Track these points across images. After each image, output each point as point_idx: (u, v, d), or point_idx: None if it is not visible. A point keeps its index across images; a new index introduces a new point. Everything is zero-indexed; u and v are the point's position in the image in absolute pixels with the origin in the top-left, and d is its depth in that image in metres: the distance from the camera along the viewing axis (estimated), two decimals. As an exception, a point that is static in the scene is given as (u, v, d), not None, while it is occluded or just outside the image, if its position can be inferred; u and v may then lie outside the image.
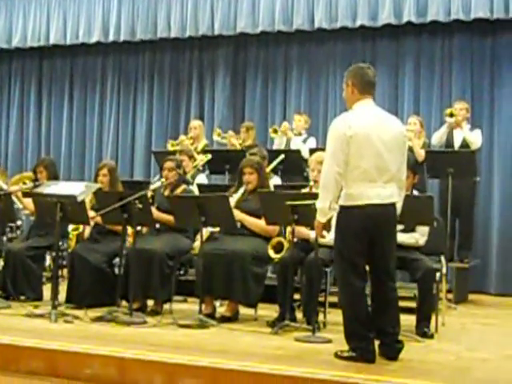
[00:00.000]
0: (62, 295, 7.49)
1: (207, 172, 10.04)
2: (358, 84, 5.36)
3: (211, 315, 6.89)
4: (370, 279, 5.35)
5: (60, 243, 7.66)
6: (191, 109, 12.52)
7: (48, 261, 9.26)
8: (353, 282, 5.17)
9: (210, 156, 9.64)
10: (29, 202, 8.09)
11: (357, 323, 5.17)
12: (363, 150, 5.11)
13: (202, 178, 9.49)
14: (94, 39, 12.78)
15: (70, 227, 8.06)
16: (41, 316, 6.84)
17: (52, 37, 13.07)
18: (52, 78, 13.82)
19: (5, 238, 9.11)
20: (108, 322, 6.60)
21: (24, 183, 8.62)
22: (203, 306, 6.80)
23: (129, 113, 13.03)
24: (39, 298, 7.96)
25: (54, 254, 7.97)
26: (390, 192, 5.21)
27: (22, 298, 7.91)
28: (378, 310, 5.28)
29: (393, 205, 5.25)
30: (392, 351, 5.26)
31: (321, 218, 5.25)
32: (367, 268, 5.31)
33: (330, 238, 5.63)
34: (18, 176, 9.63)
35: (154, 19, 12.36)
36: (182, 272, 7.76)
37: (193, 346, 5.62)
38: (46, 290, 8.07)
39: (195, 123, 10.78)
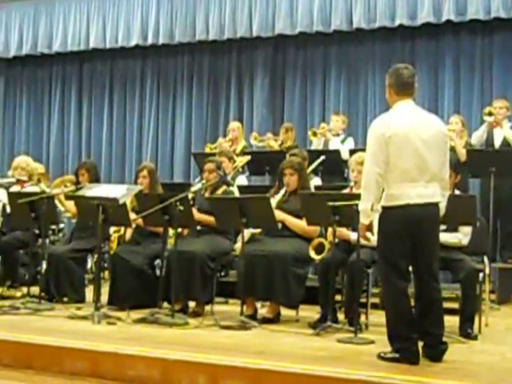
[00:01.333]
0: (104, 297, 7.52)
1: (247, 173, 10.05)
2: (394, 85, 5.33)
3: (253, 316, 6.88)
4: (414, 280, 5.31)
5: (102, 245, 7.71)
6: (230, 110, 12.55)
7: (89, 263, 9.33)
8: (395, 283, 5.14)
9: (249, 157, 9.64)
10: (71, 204, 8.17)
11: (400, 324, 5.14)
12: (402, 150, 5.07)
13: (242, 180, 9.51)
14: (133, 43, 12.88)
15: (112, 229, 8.11)
16: (84, 318, 6.88)
17: (92, 41, 13.19)
18: (92, 82, 13.96)
19: (47, 241, 9.19)
20: (150, 324, 6.62)
21: (65, 186, 8.69)
22: (245, 308, 6.80)
23: (168, 115, 13.10)
24: (82, 299, 8.02)
25: (96, 256, 8.07)
26: (432, 191, 5.16)
27: (65, 299, 7.97)
28: (421, 311, 5.24)
29: (435, 204, 5.20)
30: (436, 352, 5.21)
31: (364, 220, 5.23)
32: (410, 268, 5.27)
33: (373, 239, 5.59)
34: (59, 179, 9.69)
35: (192, 22, 12.41)
36: (222, 273, 7.77)
37: (235, 348, 5.61)
38: (88, 292, 8.13)
39: (234, 125, 10.80)
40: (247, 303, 6.94)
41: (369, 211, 5.16)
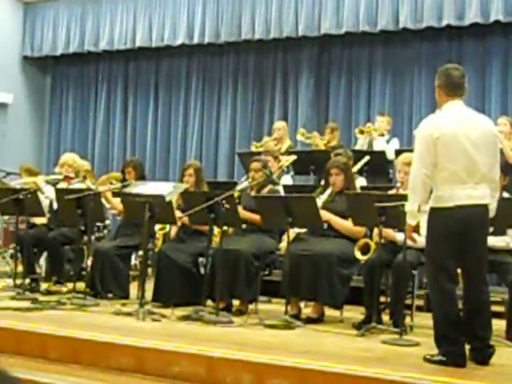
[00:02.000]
0: (149, 294, 7.57)
1: (292, 173, 10.05)
2: (443, 86, 5.28)
3: (297, 316, 6.87)
4: (462, 282, 5.27)
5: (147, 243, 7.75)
6: (275, 110, 12.56)
7: (133, 260, 9.40)
8: (443, 285, 5.09)
9: (294, 157, 9.63)
10: (117, 201, 8.24)
11: (448, 327, 5.09)
12: (451, 151, 5.03)
13: (287, 179, 9.50)
14: (178, 41, 12.95)
15: (157, 227, 8.16)
16: (128, 314, 6.91)
17: (138, 39, 13.29)
18: (138, 80, 14.07)
19: (93, 238, 9.27)
20: (194, 321, 6.64)
21: (111, 183, 8.77)
22: (289, 307, 6.80)
23: (213, 114, 13.15)
24: (126, 296, 8.07)
25: (140, 253, 8.13)
26: (482, 193, 5.10)
27: (110, 296, 8.03)
28: (469, 314, 5.19)
29: (485, 206, 5.14)
30: (483, 356, 5.15)
31: (410, 221, 5.21)
32: (458, 271, 5.22)
33: (419, 240, 5.56)
34: (105, 176, 9.76)
35: (238, 21, 12.44)
36: (266, 272, 7.77)
37: (279, 347, 5.61)
38: (133, 289, 8.18)
39: (279, 124, 10.80)
40: (291, 302, 6.93)
41: (415, 212, 5.13)
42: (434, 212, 5.13)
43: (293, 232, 6.96)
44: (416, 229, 5.30)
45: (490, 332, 5.21)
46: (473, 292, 5.18)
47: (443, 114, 5.24)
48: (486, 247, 5.24)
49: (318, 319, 6.96)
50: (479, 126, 5.19)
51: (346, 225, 6.99)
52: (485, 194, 5.13)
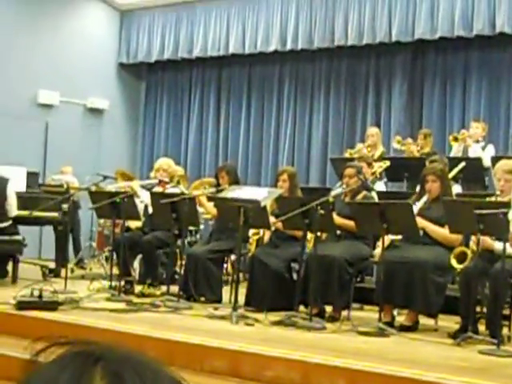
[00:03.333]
0: (241, 298, 7.61)
1: (385, 179, 9.96)
2: None
3: (390, 324, 6.80)
4: None
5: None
6: (367, 116, 12.49)
7: (226, 264, 9.46)
8: None
9: (388, 163, 9.55)
10: (211, 206, 8.31)
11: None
12: None
13: (380, 186, 9.43)
14: (271, 48, 13.01)
15: (251, 232, 8.20)
16: (222, 317, 6.96)
17: (231, 46, 13.42)
18: (230, 87, 14.19)
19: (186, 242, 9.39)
20: (287, 326, 6.64)
21: (204, 188, 8.85)
22: (382, 314, 6.74)
23: (305, 120, 13.15)
24: (219, 300, 8.13)
25: (233, 257, 8.18)
26: None
27: (202, 299, 8.11)
28: None
29: None
30: None
31: None
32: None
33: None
34: (198, 181, 9.89)
35: (331, 27, 12.41)
36: (358, 279, 7.72)
37: (374, 354, 5.56)
38: (225, 293, 8.25)
39: (373, 130, 10.73)
40: (385, 310, 6.87)
41: None
42: None
43: (387, 239, 6.90)
44: None
45: None
46: None
47: None
48: None
49: (412, 327, 6.86)
50: None
51: (442, 232, 6.88)
52: None
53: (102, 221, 11.42)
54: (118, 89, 15.05)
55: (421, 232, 6.92)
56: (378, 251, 7.02)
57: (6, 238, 9.00)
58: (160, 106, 15.08)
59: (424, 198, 7.04)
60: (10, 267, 9.28)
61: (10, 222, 9.10)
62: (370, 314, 7.55)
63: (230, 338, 5.90)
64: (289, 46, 12.83)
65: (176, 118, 14.83)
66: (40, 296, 6.94)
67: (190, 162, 14.29)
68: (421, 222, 6.85)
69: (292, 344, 5.81)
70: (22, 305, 6.86)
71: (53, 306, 6.97)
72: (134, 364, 0.96)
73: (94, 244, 12.28)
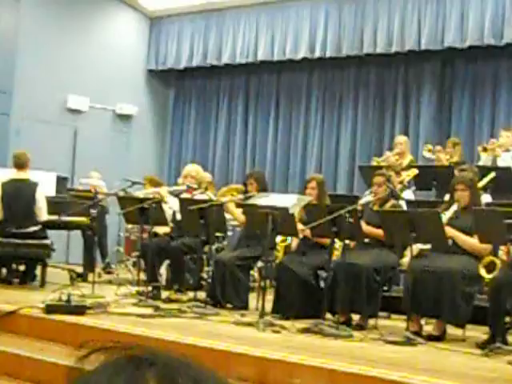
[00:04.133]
0: (268, 305, 7.60)
1: (413, 188, 9.91)
2: None
3: (418, 333, 6.76)
4: None
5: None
6: (396, 124, 12.46)
7: (253, 271, 9.46)
8: None
9: (416, 171, 9.51)
10: (239, 213, 8.32)
11: None
12: None
13: (409, 194, 9.39)
14: (300, 55, 13.02)
15: (278, 239, 8.19)
16: (248, 324, 6.96)
17: (260, 53, 13.44)
18: (259, 94, 14.21)
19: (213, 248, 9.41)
20: (314, 334, 6.63)
21: (232, 195, 8.86)
22: (410, 323, 6.70)
23: (333, 127, 13.14)
24: (245, 306, 8.14)
25: (260, 264, 8.18)
26: None
27: (229, 306, 8.11)
28: None
29: None
30: None
31: None
32: None
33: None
34: (226, 188, 9.89)
35: (360, 35, 12.40)
36: (386, 288, 7.69)
37: (402, 363, 5.53)
38: (252, 300, 8.25)
39: (401, 139, 10.68)
40: (412, 319, 6.83)
41: None
42: None
43: (416, 248, 6.87)
44: None
45: None
46: None
47: None
48: None
49: (440, 337, 6.82)
50: None
51: (471, 242, 6.83)
52: None
53: (129, 226, 11.46)
54: (146, 95, 15.13)
55: (449, 241, 6.88)
56: (406, 260, 7.01)
57: (35, 242, 9.08)
58: (188, 112, 15.13)
59: (453, 207, 7.00)
60: (38, 271, 9.35)
61: (40, 227, 9.17)
62: (397, 323, 7.52)
63: (257, 345, 5.90)
64: (317, 54, 12.83)
65: (204, 124, 14.87)
66: (68, 300, 6.98)
67: (217, 169, 14.31)
68: (450, 231, 6.81)
69: (319, 352, 5.79)
70: (50, 308, 6.91)
71: (81, 310, 7.02)
72: (186, 369, 0.96)
73: (122, 249, 12.34)
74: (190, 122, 15.04)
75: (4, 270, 9.32)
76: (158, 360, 0.97)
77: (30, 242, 9.04)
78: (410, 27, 11.88)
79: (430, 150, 10.44)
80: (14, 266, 9.42)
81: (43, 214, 9.12)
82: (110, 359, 0.97)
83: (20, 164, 9.23)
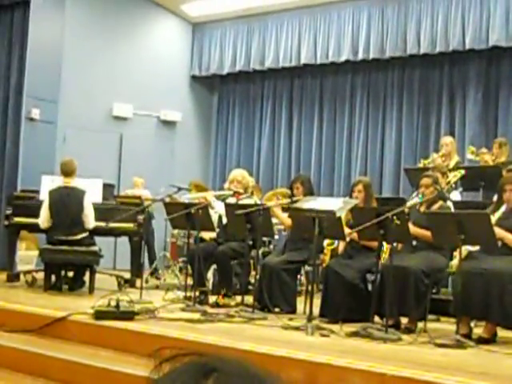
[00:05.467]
0: (315, 309, 7.58)
1: (460, 189, 9.83)
2: None
3: (468, 335, 6.69)
4: None
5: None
6: (441, 125, 12.36)
7: (300, 275, 9.44)
8: None
9: (463, 172, 9.42)
10: (285, 217, 8.31)
11: None
12: None
13: (456, 195, 9.30)
14: (343, 58, 12.98)
15: (325, 242, 8.17)
16: (296, 328, 6.95)
17: (303, 57, 13.43)
18: (302, 97, 14.19)
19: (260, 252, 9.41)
20: (363, 338, 6.59)
21: (277, 199, 8.86)
22: (459, 326, 6.63)
23: (378, 130, 13.07)
24: (293, 310, 8.12)
25: (307, 267, 8.16)
26: None
27: (276, 310, 8.10)
28: None
29: None
30: None
31: None
32: None
33: None
34: (271, 192, 9.92)
35: (403, 36, 12.32)
36: (434, 290, 7.62)
37: (453, 367, 5.46)
38: (299, 304, 8.23)
39: (447, 139, 10.59)
40: (462, 322, 6.75)
41: None
42: None
43: (465, 249, 6.80)
44: None
45: None
46: None
47: None
48: None
49: (490, 340, 6.73)
50: None
51: (521, 243, 6.75)
52: None
53: (175, 231, 11.52)
54: (190, 101, 15.20)
55: (499, 242, 6.80)
56: (454, 262, 6.93)
57: (84, 248, 9.17)
58: (232, 117, 15.17)
59: (502, 208, 6.91)
60: (86, 277, 9.44)
61: (87, 233, 9.26)
62: (447, 325, 7.44)
63: (306, 349, 5.88)
64: (360, 56, 12.78)
65: (248, 129, 14.89)
66: (117, 306, 7.03)
67: (262, 173, 14.33)
68: (499, 232, 6.73)
69: (368, 355, 5.75)
70: (99, 314, 6.97)
71: (129, 315, 7.07)
72: (246, 377, 0.96)
73: (168, 254, 12.41)
74: (234, 127, 15.07)
75: (53, 277, 9.41)
76: (219, 367, 0.97)
77: (79, 248, 9.13)
78: (454, 27, 11.78)
79: (473, 152, 10.34)
80: (62, 272, 9.52)
81: (91, 221, 9.22)
82: (176, 367, 0.97)
83: (68, 172, 9.33)
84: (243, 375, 0.95)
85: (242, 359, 0.98)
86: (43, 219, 9.19)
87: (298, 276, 9.31)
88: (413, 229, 7.25)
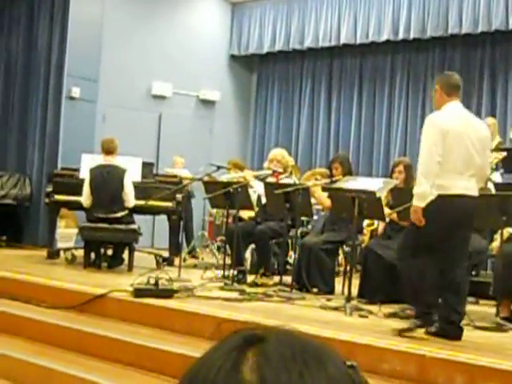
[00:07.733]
0: (354, 289, 7.57)
1: (501, 170, 9.70)
2: (445, 86, 5.87)
3: (508, 318, 6.64)
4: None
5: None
6: (482, 106, 12.20)
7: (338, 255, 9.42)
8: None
9: (504, 154, 9.29)
10: (324, 196, 8.29)
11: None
12: (455, 145, 5.61)
13: (497, 177, 9.19)
14: (383, 38, 12.85)
15: (365, 223, 8.14)
16: (335, 309, 6.95)
17: (343, 37, 13.32)
18: (341, 77, 14.10)
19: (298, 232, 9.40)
20: (401, 319, 6.56)
21: (316, 179, 8.84)
22: (500, 309, 6.58)
23: (417, 110, 12.94)
24: (331, 291, 8.12)
25: (346, 248, 8.15)
26: (473, 185, 5.73)
27: (315, 290, 8.10)
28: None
29: (475, 197, 5.74)
30: None
31: (419, 203, 5.63)
32: None
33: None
34: (310, 172, 9.88)
35: (445, 15, 12.15)
36: (474, 273, 7.57)
37: (493, 349, 5.44)
38: (337, 284, 8.23)
39: (489, 120, 10.40)
40: (503, 304, 6.71)
41: (427, 193, 5.59)
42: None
43: (506, 231, 6.73)
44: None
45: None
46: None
47: (447, 112, 5.78)
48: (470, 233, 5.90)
49: (530, 323, 6.68)
50: (479, 129, 5.91)
51: None
52: (475, 187, 5.77)
53: (214, 210, 11.56)
54: (229, 80, 15.19)
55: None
56: (495, 244, 6.87)
57: (123, 226, 9.23)
58: (271, 97, 15.12)
59: (545, 190, 6.84)
60: (125, 255, 9.52)
61: (127, 212, 9.32)
62: (486, 308, 7.38)
63: (345, 330, 5.89)
64: (401, 36, 12.64)
65: (287, 109, 14.84)
66: (156, 284, 7.08)
67: (300, 153, 14.28)
68: (542, 213, 6.66)
69: (407, 337, 5.74)
70: (138, 292, 7.02)
71: (168, 293, 7.11)
72: (296, 347, 0.96)
73: (206, 233, 12.46)
74: (273, 107, 15.03)
75: (92, 255, 9.50)
76: (268, 337, 0.96)
77: (118, 226, 9.20)
78: (497, 6, 11.58)
79: (516, 133, 10.22)
80: (102, 250, 9.61)
81: (131, 200, 9.27)
82: (225, 337, 0.97)
83: (109, 150, 9.39)
84: (293, 345, 0.94)
85: (297, 330, 0.98)
86: (85, 197, 9.27)
87: (337, 256, 9.29)
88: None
